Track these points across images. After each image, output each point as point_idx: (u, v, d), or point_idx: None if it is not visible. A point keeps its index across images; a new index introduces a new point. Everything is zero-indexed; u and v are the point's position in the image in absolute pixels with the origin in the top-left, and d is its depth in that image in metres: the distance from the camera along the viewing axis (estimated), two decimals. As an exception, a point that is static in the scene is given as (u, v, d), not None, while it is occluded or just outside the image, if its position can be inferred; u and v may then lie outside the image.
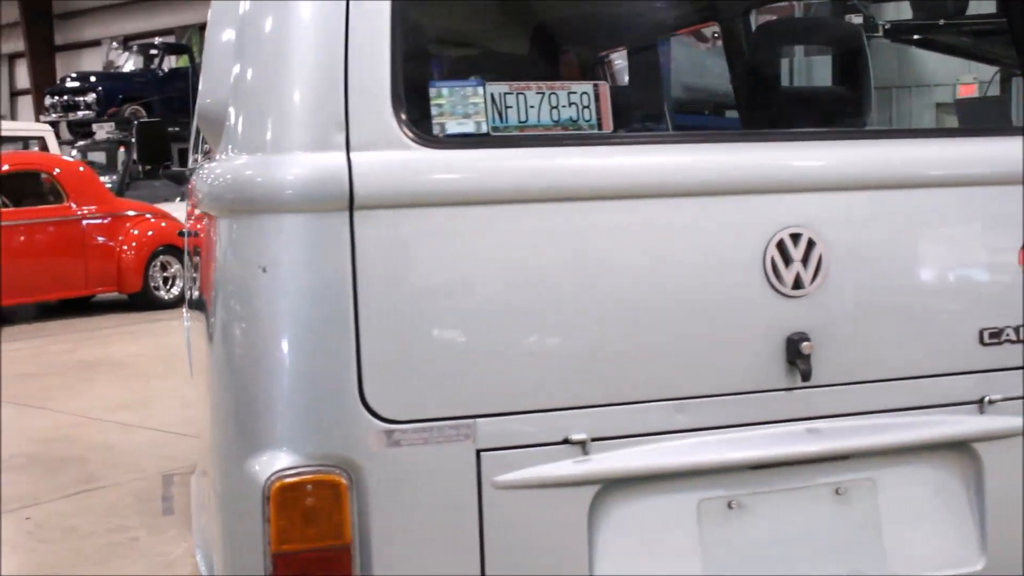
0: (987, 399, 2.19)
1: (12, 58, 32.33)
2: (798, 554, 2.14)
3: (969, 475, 2.23)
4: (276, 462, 1.84)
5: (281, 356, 1.86)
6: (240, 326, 1.91)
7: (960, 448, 2.21)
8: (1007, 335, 2.20)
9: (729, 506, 2.10)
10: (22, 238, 11.04)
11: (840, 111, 2.72)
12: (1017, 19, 2.34)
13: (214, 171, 2.00)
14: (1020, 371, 2.21)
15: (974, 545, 2.23)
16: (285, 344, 1.85)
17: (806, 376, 2.05)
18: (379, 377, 1.86)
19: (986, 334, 2.19)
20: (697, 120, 3.28)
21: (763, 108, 2.79)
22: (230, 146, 1.94)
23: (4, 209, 10.96)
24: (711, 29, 3.09)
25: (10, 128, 16.68)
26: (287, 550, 1.85)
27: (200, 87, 2.07)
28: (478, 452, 1.92)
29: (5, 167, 11.16)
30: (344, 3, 1.86)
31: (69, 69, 26.32)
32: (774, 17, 3.18)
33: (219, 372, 1.95)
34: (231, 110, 1.94)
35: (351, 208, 1.84)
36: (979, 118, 2.93)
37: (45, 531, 4.63)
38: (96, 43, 29.44)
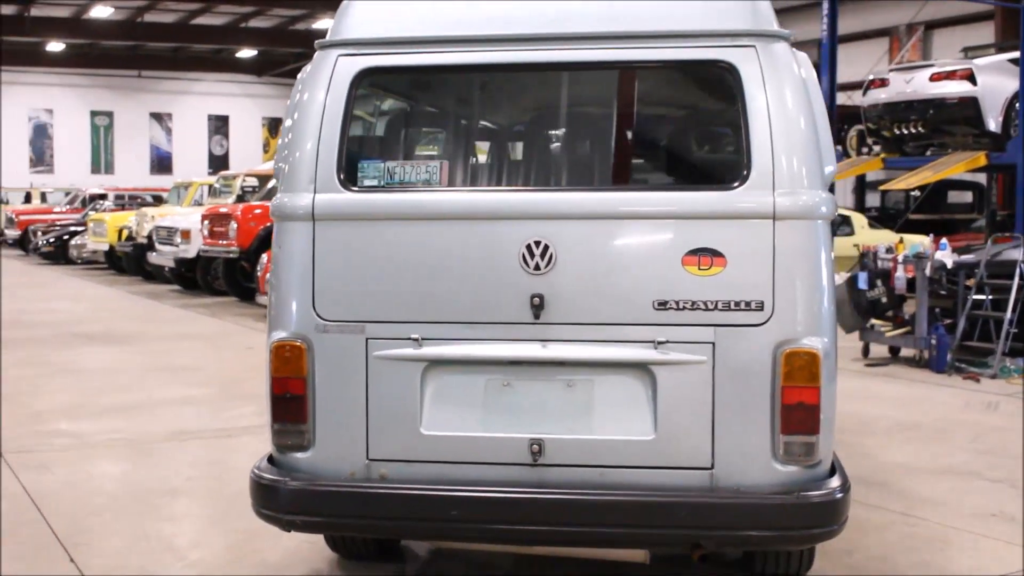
0: (657, 340, 3.82)
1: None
2: (543, 416, 3.92)
3: (648, 384, 3.86)
4: (277, 335, 4.02)
5: (285, 288, 4.03)
6: (274, 274, 4.10)
7: (643, 368, 3.86)
8: (671, 305, 3.81)
9: (503, 385, 3.94)
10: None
11: (584, 169, 4.40)
12: None
13: (274, 200, 4.22)
14: (679, 327, 3.81)
15: (650, 424, 3.86)
16: (286, 283, 4.03)
17: (537, 316, 3.84)
18: (322, 298, 3.97)
19: (655, 303, 3.82)
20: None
21: (533, 168, 4.51)
22: (278, 188, 4.15)
23: None
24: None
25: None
26: (278, 376, 4.01)
27: (275, 157, 4.29)
28: (367, 340, 3.96)
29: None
30: (319, 121, 3.99)
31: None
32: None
33: (268, 294, 4.16)
34: (280, 169, 4.14)
35: (313, 220, 3.97)
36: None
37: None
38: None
